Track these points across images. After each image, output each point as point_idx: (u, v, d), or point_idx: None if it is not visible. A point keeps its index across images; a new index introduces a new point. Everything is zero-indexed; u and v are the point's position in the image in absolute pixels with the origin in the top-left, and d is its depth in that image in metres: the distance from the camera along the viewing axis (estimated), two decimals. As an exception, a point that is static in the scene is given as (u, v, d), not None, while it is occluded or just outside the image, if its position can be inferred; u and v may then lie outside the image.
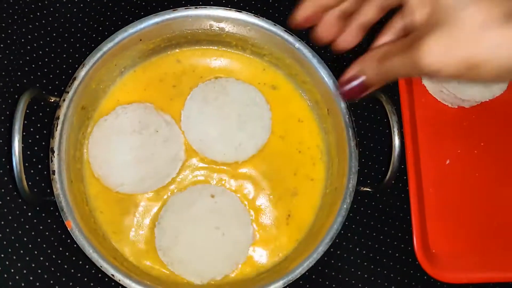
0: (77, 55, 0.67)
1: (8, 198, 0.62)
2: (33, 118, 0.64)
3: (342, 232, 0.58)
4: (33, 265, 0.61)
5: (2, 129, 0.64)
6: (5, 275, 0.60)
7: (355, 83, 0.44)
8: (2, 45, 0.66)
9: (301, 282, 0.63)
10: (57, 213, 0.62)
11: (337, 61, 0.70)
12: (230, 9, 0.60)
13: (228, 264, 0.59)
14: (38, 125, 0.64)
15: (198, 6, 0.60)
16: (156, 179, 0.60)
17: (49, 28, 0.67)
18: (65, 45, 0.67)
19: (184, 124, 0.62)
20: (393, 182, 0.57)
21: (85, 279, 0.62)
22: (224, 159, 0.62)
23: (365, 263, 0.65)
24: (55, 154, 0.55)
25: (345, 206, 0.57)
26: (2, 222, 0.62)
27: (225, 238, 0.59)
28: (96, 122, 0.61)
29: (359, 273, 0.65)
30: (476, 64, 0.33)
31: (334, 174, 0.62)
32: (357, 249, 0.65)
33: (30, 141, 0.64)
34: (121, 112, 0.61)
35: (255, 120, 0.63)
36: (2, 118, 0.64)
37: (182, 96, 0.63)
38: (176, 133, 0.62)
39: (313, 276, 0.64)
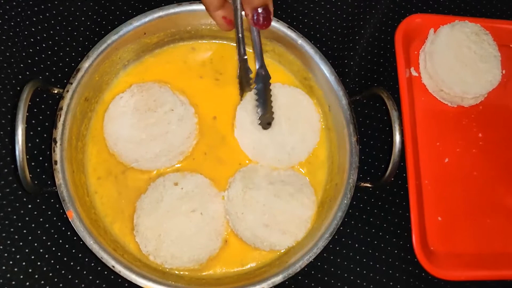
0: (80, 48, 0.67)
1: (8, 190, 0.62)
2: (34, 110, 0.64)
3: (341, 228, 0.58)
4: (32, 257, 0.61)
5: (3, 121, 0.64)
6: (4, 267, 0.60)
7: None
8: (5, 37, 0.66)
9: (300, 277, 0.64)
10: (57, 205, 0.62)
11: (339, 58, 0.71)
12: (234, 5, 0.61)
13: (216, 238, 0.59)
14: (40, 117, 0.64)
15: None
16: (170, 157, 0.61)
17: (52, 21, 0.68)
18: (68, 38, 0.67)
19: (238, 132, 0.62)
20: (392, 178, 0.57)
21: (84, 272, 0.61)
22: (279, 164, 0.62)
23: (364, 260, 0.65)
24: (58, 144, 0.55)
25: (345, 201, 0.58)
26: (2, 214, 0.61)
27: (204, 217, 0.59)
28: (97, 113, 0.62)
29: (358, 269, 0.65)
30: None
31: (334, 169, 0.62)
32: (356, 245, 0.66)
33: (31, 133, 0.64)
34: (137, 91, 0.61)
35: (305, 122, 0.63)
36: (3, 109, 0.64)
37: (192, 84, 0.64)
38: (190, 112, 0.62)
39: (312, 272, 0.64)
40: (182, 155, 0.61)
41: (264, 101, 0.60)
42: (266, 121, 0.61)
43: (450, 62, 0.68)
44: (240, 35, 0.57)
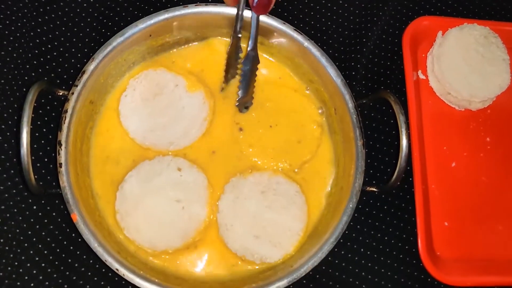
0: (85, 50, 0.67)
1: (14, 191, 0.62)
2: (40, 111, 0.64)
3: (346, 232, 0.58)
4: (37, 258, 0.61)
5: (10, 122, 0.64)
6: (9, 268, 0.60)
7: None
8: (11, 38, 0.66)
9: (305, 281, 0.63)
10: (62, 207, 0.62)
11: (346, 61, 0.71)
12: (240, 7, 0.60)
13: (180, 237, 0.59)
14: (45, 118, 0.64)
15: (208, 4, 0.60)
16: (198, 127, 0.62)
17: (58, 22, 0.68)
18: (74, 40, 0.67)
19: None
20: (399, 183, 0.57)
21: (89, 274, 0.61)
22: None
23: (370, 264, 0.65)
24: (63, 147, 0.55)
25: (351, 205, 0.57)
26: (8, 215, 0.62)
27: (183, 212, 0.59)
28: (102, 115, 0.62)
29: (363, 274, 0.64)
30: None
31: (340, 173, 0.62)
32: (362, 249, 0.65)
33: (36, 134, 0.64)
34: (136, 83, 0.62)
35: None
36: (10, 111, 0.64)
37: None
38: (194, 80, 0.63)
39: (317, 276, 0.64)
40: (207, 121, 0.62)
41: (247, 84, 0.61)
42: (244, 105, 0.62)
43: (458, 65, 0.67)
44: (240, 12, 0.58)
